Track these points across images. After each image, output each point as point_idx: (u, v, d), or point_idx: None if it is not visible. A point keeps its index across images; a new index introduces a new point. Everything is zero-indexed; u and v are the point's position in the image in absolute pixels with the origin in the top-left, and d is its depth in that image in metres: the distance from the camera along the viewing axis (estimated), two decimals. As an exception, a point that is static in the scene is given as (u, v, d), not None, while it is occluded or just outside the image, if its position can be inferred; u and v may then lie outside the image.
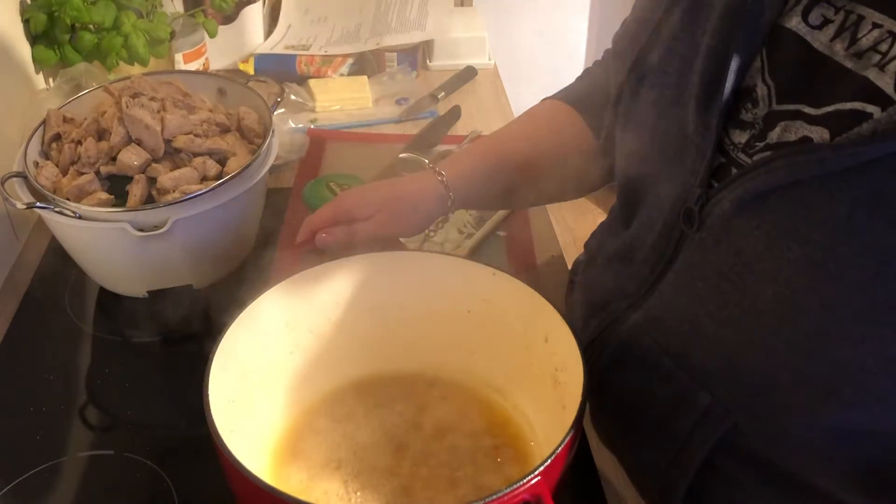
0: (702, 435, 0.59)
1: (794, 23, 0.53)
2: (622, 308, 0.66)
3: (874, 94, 0.47)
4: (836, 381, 0.50)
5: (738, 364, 0.55)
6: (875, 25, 0.48)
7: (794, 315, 0.50)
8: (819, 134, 0.49)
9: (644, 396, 0.64)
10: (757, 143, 0.53)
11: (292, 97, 1.24)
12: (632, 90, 0.64)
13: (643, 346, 0.63)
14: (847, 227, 0.47)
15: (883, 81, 0.47)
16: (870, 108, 0.47)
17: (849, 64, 0.49)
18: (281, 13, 1.44)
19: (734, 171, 0.54)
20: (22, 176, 0.80)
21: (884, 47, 0.47)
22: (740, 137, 0.55)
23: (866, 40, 0.49)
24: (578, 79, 0.85)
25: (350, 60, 1.33)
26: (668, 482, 0.62)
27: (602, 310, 0.69)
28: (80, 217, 0.76)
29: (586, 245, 0.80)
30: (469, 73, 1.34)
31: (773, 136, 0.52)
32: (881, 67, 0.47)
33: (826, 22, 0.51)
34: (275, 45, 1.37)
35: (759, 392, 0.55)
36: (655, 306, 0.62)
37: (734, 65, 0.54)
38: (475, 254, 0.93)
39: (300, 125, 1.18)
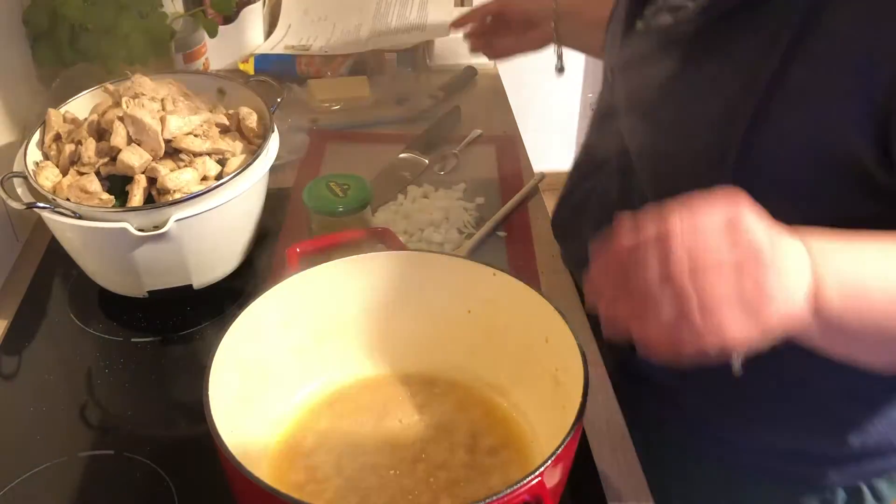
0: None
1: None
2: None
3: None
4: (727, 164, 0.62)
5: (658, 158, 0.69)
6: None
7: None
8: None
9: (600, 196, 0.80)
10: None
11: (292, 97, 1.24)
12: None
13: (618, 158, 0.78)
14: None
15: None
16: None
17: None
18: (281, 13, 1.43)
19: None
20: (22, 176, 0.80)
21: None
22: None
23: None
24: None
25: (350, 60, 1.33)
26: None
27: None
28: (80, 217, 0.76)
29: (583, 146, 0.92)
30: (469, 73, 1.34)
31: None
32: None
33: None
34: (275, 45, 1.37)
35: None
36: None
37: None
38: (475, 254, 0.93)
39: (300, 125, 1.18)
